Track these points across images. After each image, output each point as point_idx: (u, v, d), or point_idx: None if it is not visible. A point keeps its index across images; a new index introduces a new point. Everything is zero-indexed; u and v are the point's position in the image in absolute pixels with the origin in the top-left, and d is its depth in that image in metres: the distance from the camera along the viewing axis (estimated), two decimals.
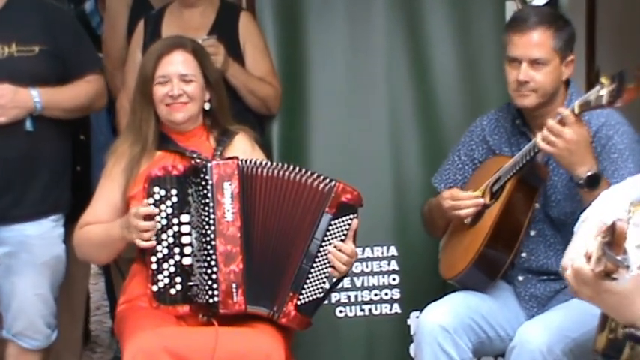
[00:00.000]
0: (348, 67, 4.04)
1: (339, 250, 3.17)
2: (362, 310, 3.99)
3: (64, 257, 3.67)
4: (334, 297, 3.93)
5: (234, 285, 3.12)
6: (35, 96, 3.52)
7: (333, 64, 4.03)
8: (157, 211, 3.16)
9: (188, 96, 3.32)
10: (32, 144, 3.56)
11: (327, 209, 3.16)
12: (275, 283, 3.16)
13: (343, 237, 3.17)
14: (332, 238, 3.16)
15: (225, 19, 3.94)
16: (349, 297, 3.99)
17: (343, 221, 3.17)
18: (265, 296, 3.16)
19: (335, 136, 4.02)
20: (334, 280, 3.19)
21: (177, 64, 3.33)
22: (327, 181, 3.17)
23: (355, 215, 3.19)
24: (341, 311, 3.99)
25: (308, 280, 3.16)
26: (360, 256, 3.88)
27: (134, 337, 3.07)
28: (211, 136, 3.40)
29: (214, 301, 3.13)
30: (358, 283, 3.99)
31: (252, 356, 3.03)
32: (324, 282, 3.17)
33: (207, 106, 3.38)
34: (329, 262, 3.17)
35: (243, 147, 3.39)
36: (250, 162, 3.20)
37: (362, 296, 4.00)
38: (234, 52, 3.87)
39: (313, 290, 3.17)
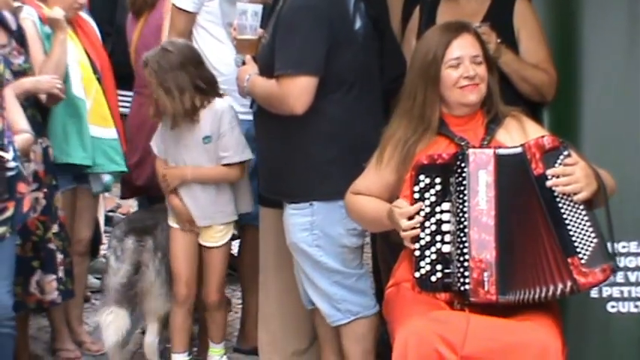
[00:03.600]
0: (626, 52, 3.86)
1: (565, 183, 3.09)
2: (636, 306, 3.80)
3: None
4: (605, 291, 3.78)
5: (486, 274, 3.11)
6: (245, 79, 3.73)
7: (609, 49, 3.86)
8: (420, 206, 3.20)
9: (480, 77, 3.32)
10: None
11: (534, 170, 3.10)
12: (530, 270, 3.11)
13: (564, 177, 3.10)
14: (556, 190, 3.10)
15: (501, 6, 3.90)
16: (622, 292, 3.80)
17: (556, 164, 3.10)
18: (519, 284, 3.11)
19: (607, 125, 3.85)
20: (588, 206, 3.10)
21: (469, 46, 3.33)
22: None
23: (565, 152, 3.11)
24: (613, 306, 3.81)
25: (574, 238, 3.08)
26: (634, 250, 3.76)
27: (406, 323, 3.13)
28: (485, 121, 3.37)
29: (465, 289, 3.13)
30: (632, 278, 3.80)
31: (530, 348, 3.03)
32: (586, 226, 3.09)
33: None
34: (574, 205, 3.09)
35: (514, 129, 3.35)
36: (508, 151, 3.17)
37: (636, 292, 3.80)
38: (509, 38, 3.83)
39: (585, 240, 3.08)
